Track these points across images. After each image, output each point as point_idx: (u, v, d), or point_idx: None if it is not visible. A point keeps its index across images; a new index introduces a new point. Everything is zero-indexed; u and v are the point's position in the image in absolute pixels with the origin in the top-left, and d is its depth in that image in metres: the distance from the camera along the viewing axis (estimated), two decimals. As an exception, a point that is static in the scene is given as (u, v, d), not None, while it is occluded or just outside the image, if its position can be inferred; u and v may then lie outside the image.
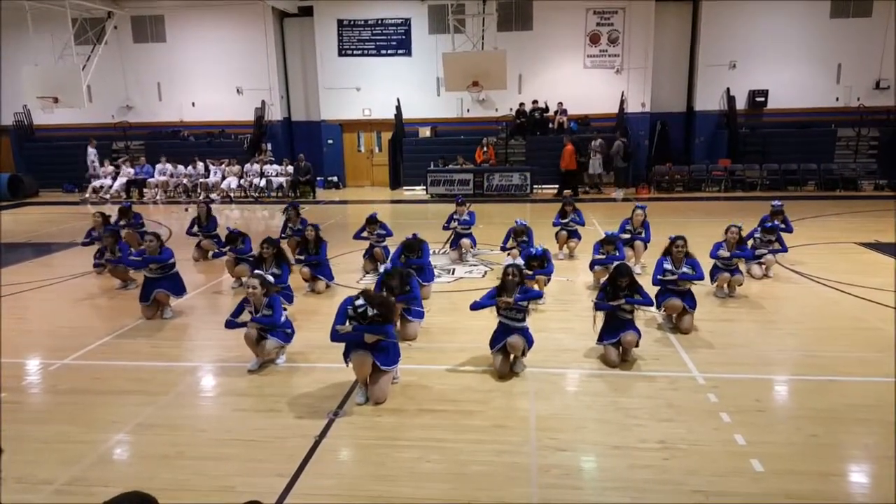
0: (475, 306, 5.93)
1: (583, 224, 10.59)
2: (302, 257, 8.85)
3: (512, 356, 5.92)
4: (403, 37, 20.78)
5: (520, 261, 6.17)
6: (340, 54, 21.08)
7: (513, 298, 5.73)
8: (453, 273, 9.78)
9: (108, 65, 20.73)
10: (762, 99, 19.84)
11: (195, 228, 10.86)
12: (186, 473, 4.33)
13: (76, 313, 8.19)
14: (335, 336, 5.23)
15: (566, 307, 7.93)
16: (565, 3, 19.80)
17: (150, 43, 21.66)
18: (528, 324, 5.94)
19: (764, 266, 9.09)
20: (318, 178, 20.95)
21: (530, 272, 7.73)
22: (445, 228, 10.67)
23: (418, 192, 19.65)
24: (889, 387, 5.47)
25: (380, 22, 20.76)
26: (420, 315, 7.01)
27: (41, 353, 6.70)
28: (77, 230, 13.99)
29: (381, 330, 5.20)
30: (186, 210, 16.68)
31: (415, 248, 8.36)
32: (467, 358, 6.24)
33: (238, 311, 6.11)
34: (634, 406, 5.19)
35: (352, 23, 20.85)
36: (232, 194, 19.22)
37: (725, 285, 8.17)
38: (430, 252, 9.06)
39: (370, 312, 5.13)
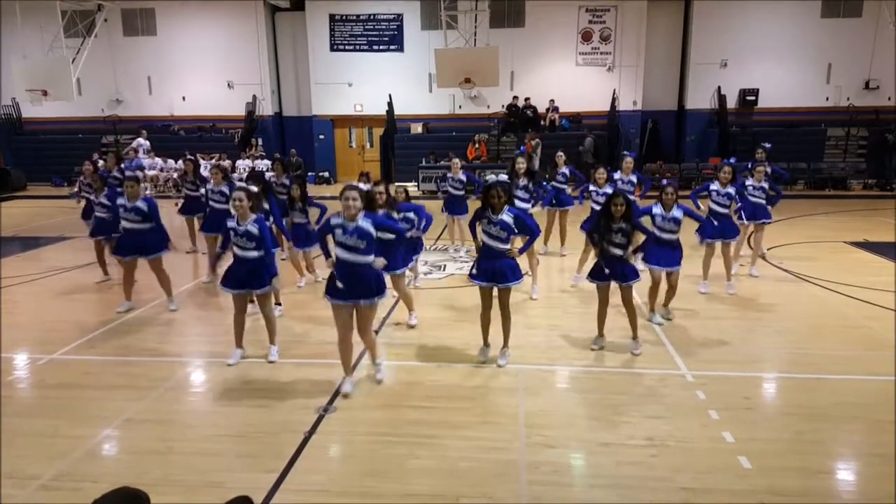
0: (471, 225, 5.87)
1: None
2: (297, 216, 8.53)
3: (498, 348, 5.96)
4: (396, 32, 20.73)
5: (503, 177, 5.99)
6: (332, 49, 21.01)
7: (516, 250, 5.78)
8: (444, 269, 9.78)
9: (98, 58, 20.52)
10: (753, 98, 19.94)
11: (186, 184, 10.81)
12: (175, 469, 4.32)
13: (65, 308, 8.13)
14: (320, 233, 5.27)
15: (554, 304, 7.94)
16: (558, 0, 19.80)
17: (140, 36, 21.50)
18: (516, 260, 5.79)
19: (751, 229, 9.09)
20: (310, 174, 20.87)
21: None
22: (439, 190, 10.61)
23: (410, 188, 19.60)
24: (876, 385, 5.53)
25: (372, 17, 20.71)
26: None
27: (29, 347, 6.65)
28: (65, 224, 13.90)
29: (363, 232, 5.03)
30: (177, 205, 16.57)
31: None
32: (457, 354, 6.24)
33: (224, 244, 6.01)
34: (623, 403, 5.22)
35: (344, 17, 20.77)
36: (222, 189, 19.08)
37: (711, 266, 8.16)
38: (423, 248, 8.84)
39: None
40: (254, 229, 5.77)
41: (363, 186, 5.28)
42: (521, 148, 7.61)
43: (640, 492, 4.01)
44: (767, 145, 10.03)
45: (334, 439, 4.75)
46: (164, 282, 7.72)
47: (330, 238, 5.22)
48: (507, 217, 5.58)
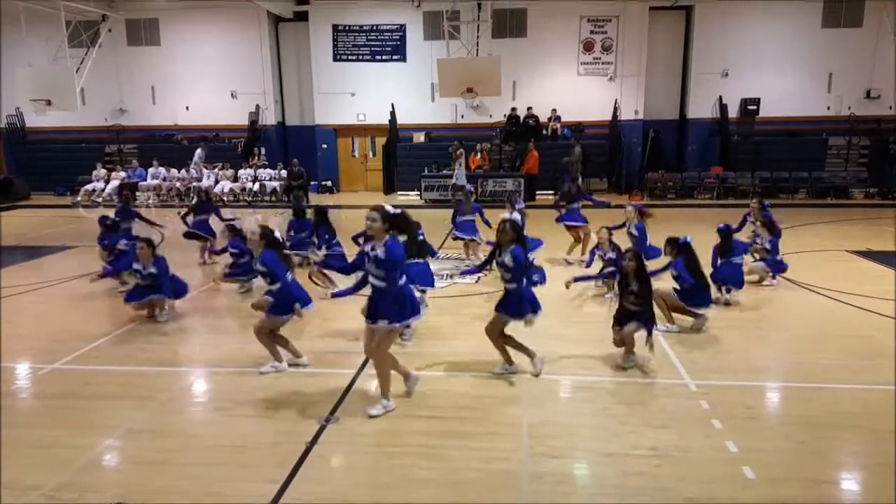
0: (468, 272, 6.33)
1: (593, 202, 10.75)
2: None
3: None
4: (398, 43, 20.82)
5: (517, 216, 6.06)
6: (335, 59, 21.10)
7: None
8: (448, 278, 9.76)
9: (102, 67, 20.65)
10: (754, 107, 19.97)
11: (189, 218, 10.80)
12: (176, 479, 4.30)
13: (67, 317, 8.13)
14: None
15: (557, 313, 7.92)
16: (560, 10, 19.91)
17: (144, 46, 21.62)
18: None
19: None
20: (312, 183, 20.91)
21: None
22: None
23: (412, 197, 19.65)
24: (878, 394, 5.51)
25: (375, 28, 20.81)
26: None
27: (31, 357, 6.63)
28: (69, 233, 13.94)
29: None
30: (179, 213, 16.63)
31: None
32: (460, 364, 6.23)
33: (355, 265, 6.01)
34: (626, 413, 5.20)
35: (347, 28, 20.87)
36: (225, 198, 19.15)
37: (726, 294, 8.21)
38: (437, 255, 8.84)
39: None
40: (261, 268, 5.86)
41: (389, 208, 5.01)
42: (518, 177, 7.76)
43: (644, 502, 3.99)
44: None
45: (336, 449, 4.73)
46: (159, 304, 7.84)
47: None
48: (507, 259, 5.65)
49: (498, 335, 5.87)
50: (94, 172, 20.12)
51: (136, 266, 7.75)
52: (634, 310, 6.04)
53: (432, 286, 7.18)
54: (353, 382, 5.77)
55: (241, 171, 19.78)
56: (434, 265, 10.30)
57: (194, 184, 19.03)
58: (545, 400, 5.50)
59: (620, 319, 6.15)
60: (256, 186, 19.35)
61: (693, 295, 7.07)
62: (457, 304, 8.37)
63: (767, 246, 9.21)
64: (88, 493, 4.15)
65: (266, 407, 5.38)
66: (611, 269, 8.30)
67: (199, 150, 20.36)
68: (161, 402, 5.53)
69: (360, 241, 8.12)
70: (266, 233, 5.82)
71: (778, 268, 9.13)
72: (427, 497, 4.07)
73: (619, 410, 5.25)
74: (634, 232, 9.27)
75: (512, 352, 5.95)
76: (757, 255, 9.26)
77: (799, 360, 6.39)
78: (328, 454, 4.66)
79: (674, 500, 3.99)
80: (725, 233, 8.29)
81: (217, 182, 19.49)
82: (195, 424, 5.18)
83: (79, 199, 19.60)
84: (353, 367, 5.96)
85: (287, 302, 5.81)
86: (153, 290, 7.69)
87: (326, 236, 8.94)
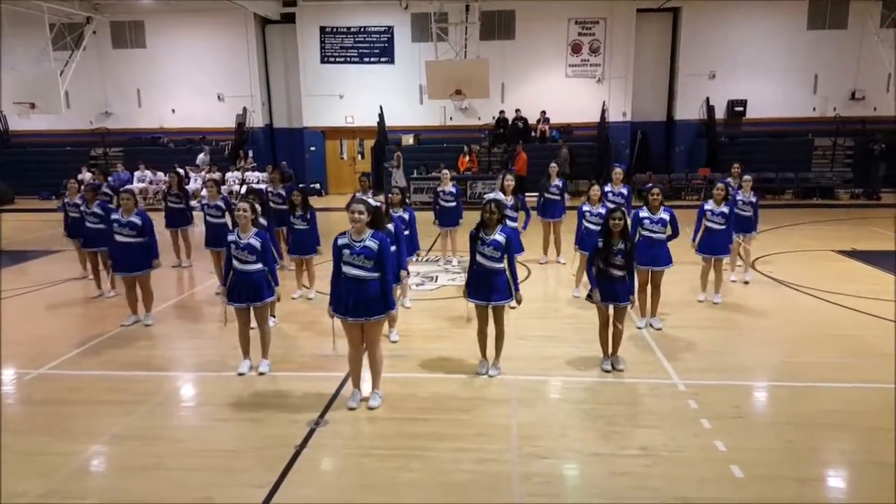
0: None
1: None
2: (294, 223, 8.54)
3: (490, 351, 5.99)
4: (386, 44, 20.81)
5: (500, 195, 6.04)
6: (323, 61, 21.06)
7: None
8: (436, 280, 9.77)
9: (87, 71, 20.50)
10: (741, 108, 20.15)
11: (170, 197, 10.74)
12: (164, 485, 4.26)
13: (52, 322, 8.05)
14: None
15: (546, 314, 7.94)
16: (547, 12, 19.98)
17: (129, 49, 21.47)
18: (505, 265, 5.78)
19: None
20: (300, 185, 20.81)
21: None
22: (435, 205, 10.51)
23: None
24: (866, 393, 5.55)
25: (362, 29, 20.79)
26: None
27: (16, 362, 6.56)
28: (53, 238, 13.78)
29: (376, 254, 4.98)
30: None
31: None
32: (449, 366, 6.22)
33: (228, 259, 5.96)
34: (615, 413, 5.21)
35: (334, 30, 20.84)
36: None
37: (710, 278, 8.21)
38: (416, 257, 8.85)
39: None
40: (256, 243, 5.81)
41: (372, 202, 5.22)
42: (510, 167, 7.77)
43: (633, 502, 4.00)
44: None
45: (326, 453, 4.71)
46: (148, 297, 7.72)
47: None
48: (499, 237, 5.68)
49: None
50: (79, 176, 19.88)
51: (114, 216, 7.48)
52: (619, 275, 5.85)
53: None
54: (342, 385, 5.74)
55: (228, 174, 19.67)
56: (422, 267, 10.36)
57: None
58: (534, 400, 5.51)
59: (605, 292, 5.90)
60: (244, 189, 19.24)
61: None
62: (444, 305, 8.36)
63: (753, 199, 8.96)
64: (75, 499, 4.10)
65: (255, 411, 5.35)
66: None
67: (202, 155, 20.28)
68: (148, 407, 5.48)
69: None
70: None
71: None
72: (416, 499, 4.06)
73: (607, 411, 5.26)
74: (624, 191, 9.47)
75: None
76: (745, 211, 8.89)
77: (787, 360, 6.45)
78: (317, 457, 4.63)
79: (663, 500, 4.01)
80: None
81: (203, 185, 19.36)
82: (183, 429, 5.14)
83: (61, 204, 19.38)
84: (341, 370, 5.92)
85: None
86: (137, 255, 7.41)
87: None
